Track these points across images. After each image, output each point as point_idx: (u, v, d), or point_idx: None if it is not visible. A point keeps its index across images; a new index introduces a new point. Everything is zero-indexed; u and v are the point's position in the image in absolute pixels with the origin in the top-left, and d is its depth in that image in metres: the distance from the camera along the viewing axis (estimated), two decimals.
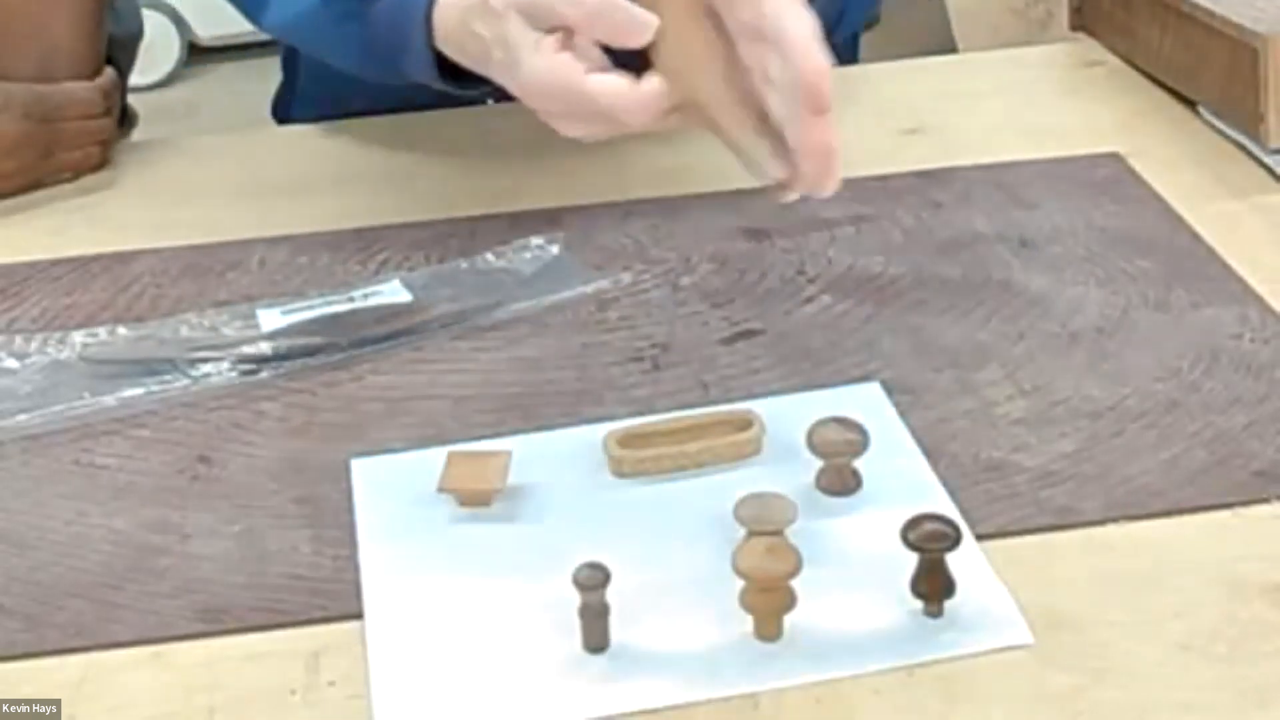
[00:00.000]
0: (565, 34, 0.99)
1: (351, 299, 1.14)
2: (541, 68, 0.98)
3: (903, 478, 0.96)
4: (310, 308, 1.13)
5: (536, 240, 1.20)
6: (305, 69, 1.53)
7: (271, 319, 1.12)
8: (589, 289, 1.16)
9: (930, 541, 0.85)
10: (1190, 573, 0.88)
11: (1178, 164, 1.31)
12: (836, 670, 0.83)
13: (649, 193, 1.29)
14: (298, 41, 1.22)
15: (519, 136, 1.40)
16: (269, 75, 1.64)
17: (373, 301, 1.14)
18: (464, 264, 1.18)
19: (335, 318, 1.12)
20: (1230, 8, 1.32)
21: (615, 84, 0.96)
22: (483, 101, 1.35)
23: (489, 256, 1.19)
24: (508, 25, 1.00)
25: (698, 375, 1.06)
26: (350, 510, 0.96)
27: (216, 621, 0.88)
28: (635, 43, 0.95)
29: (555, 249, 1.19)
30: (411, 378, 1.08)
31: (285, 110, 1.59)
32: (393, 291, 1.15)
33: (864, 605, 0.86)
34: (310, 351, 1.09)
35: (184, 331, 1.11)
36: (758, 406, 1.01)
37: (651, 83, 0.95)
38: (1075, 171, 1.30)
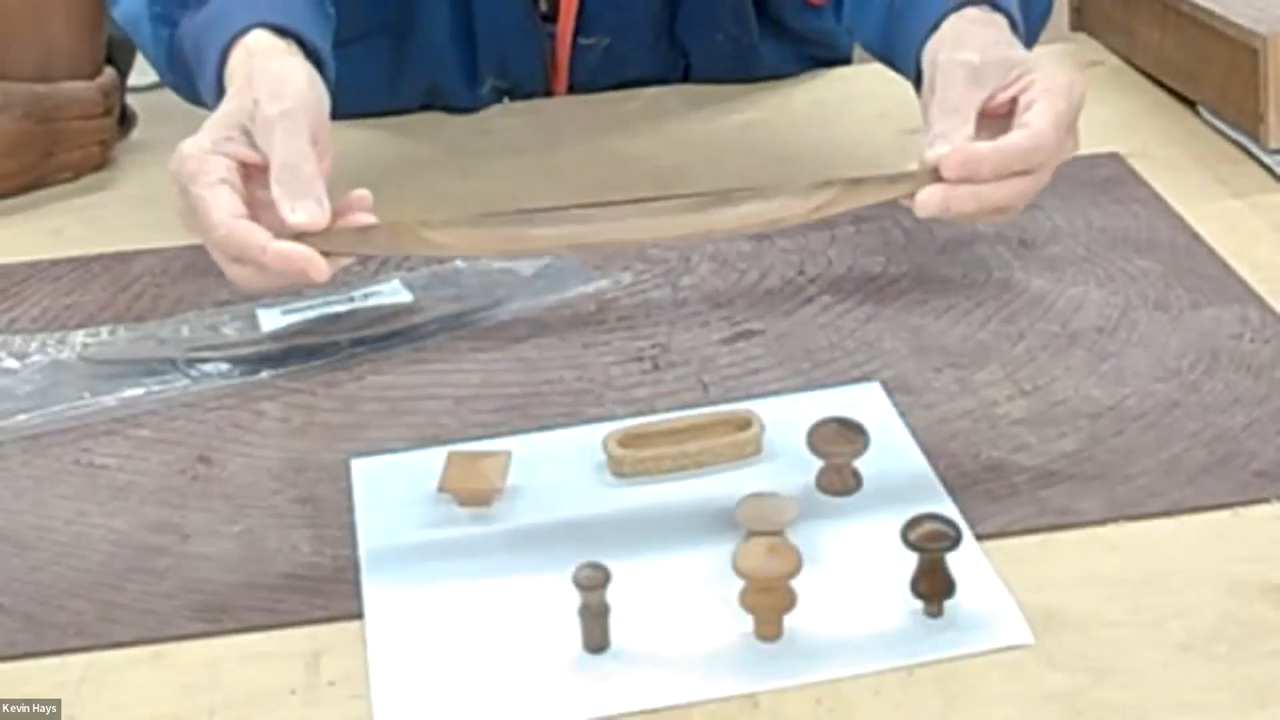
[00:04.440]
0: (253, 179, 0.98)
1: (351, 299, 1.14)
2: (224, 223, 0.96)
3: (903, 478, 0.96)
4: (310, 308, 1.13)
5: None
6: None
7: (271, 319, 1.12)
8: (589, 289, 1.16)
9: (930, 541, 0.85)
10: (1190, 573, 0.88)
11: (1178, 164, 1.31)
12: (836, 670, 0.83)
13: (649, 193, 1.29)
14: (133, 37, 1.22)
15: (520, 137, 1.40)
16: None
17: (373, 302, 1.14)
18: (463, 264, 1.18)
19: (335, 318, 1.12)
20: (1230, 8, 1.32)
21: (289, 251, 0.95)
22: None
23: (489, 256, 1.19)
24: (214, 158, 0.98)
25: (698, 375, 1.06)
26: (350, 510, 0.96)
27: (216, 621, 0.88)
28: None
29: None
30: (411, 378, 1.08)
31: None
32: (393, 291, 1.15)
33: (864, 605, 0.86)
34: (310, 351, 1.09)
35: (184, 331, 1.11)
36: (758, 406, 1.01)
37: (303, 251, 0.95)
38: (1075, 171, 1.29)
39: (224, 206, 0.96)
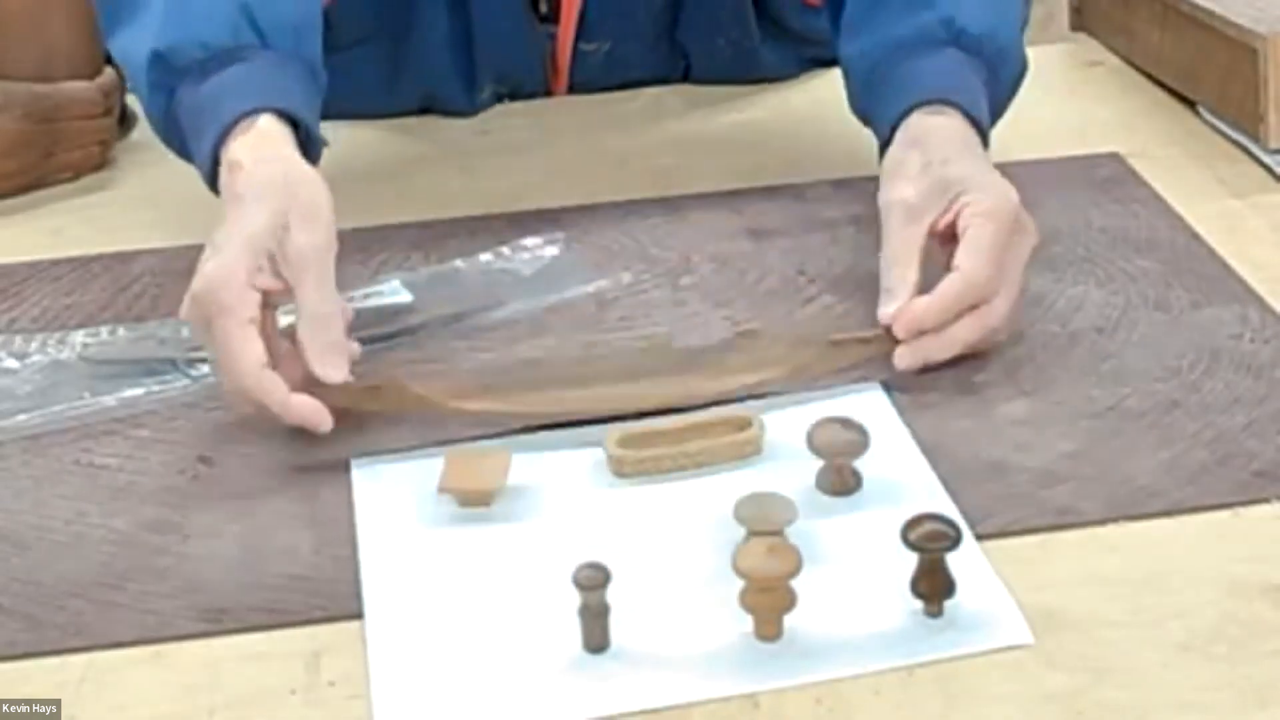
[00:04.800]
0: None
1: (351, 299, 1.14)
2: (253, 374, 0.98)
3: (903, 478, 0.96)
4: None
5: (536, 240, 1.20)
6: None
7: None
8: (589, 289, 1.16)
9: (930, 541, 0.85)
10: (1190, 573, 0.88)
11: (1178, 164, 1.31)
12: (836, 670, 0.83)
13: (649, 193, 1.29)
14: (126, 75, 1.23)
15: (519, 136, 1.40)
16: None
17: (373, 302, 1.14)
18: (463, 264, 1.18)
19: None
20: (1230, 8, 1.32)
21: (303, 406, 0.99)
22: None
23: (489, 256, 1.19)
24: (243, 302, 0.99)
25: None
26: (350, 510, 0.96)
27: (216, 621, 0.88)
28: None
29: (555, 249, 1.19)
30: (411, 378, 1.07)
31: None
32: (393, 291, 1.15)
33: (864, 605, 0.86)
34: None
35: (184, 331, 1.11)
36: (758, 406, 1.00)
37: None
38: (1075, 171, 1.30)
39: (254, 354, 0.97)
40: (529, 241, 1.20)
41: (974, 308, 1.03)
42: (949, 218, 1.06)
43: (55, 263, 1.23)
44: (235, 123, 1.06)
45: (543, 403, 1.00)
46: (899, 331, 1.03)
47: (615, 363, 1.03)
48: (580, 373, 1.02)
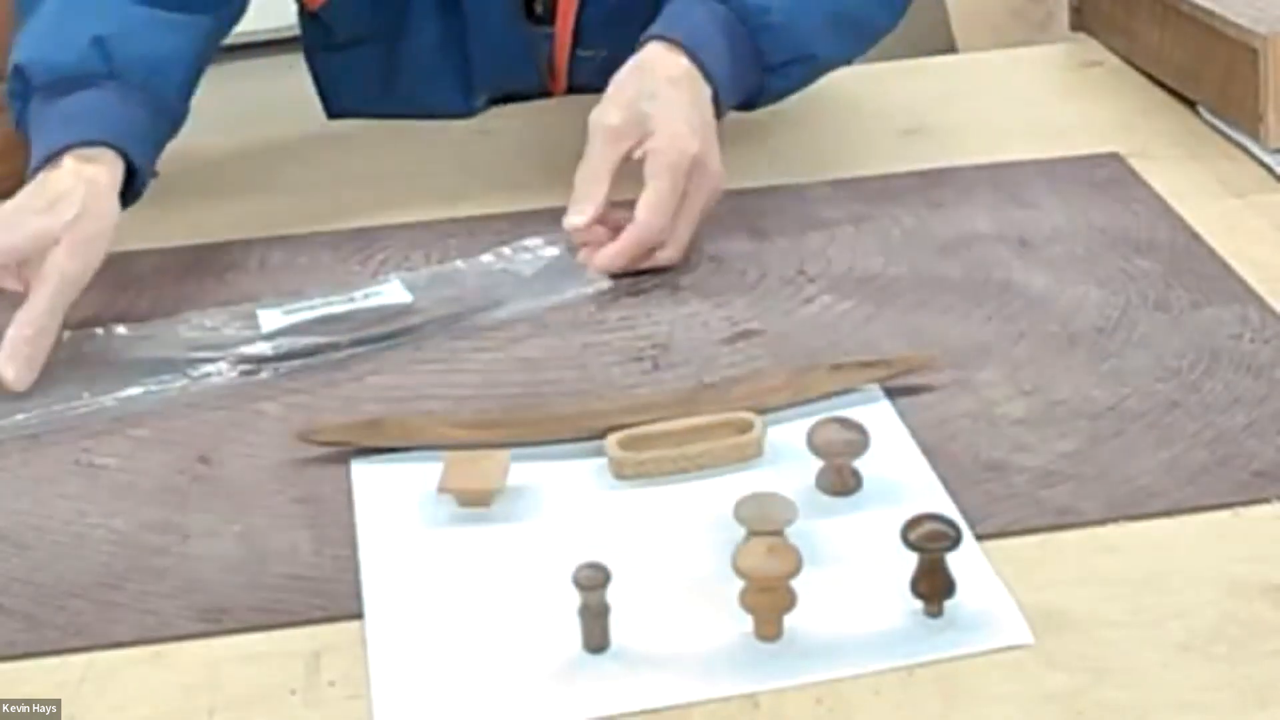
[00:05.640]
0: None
1: (352, 299, 1.14)
2: None
3: (903, 478, 0.96)
4: (311, 308, 1.13)
5: (536, 240, 1.20)
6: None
7: (272, 319, 1.12)
8: (589, 289, 1.16)
9: (930, 541, 0.85)
10: (1190, 573, 0.88)
11: (1178, 164, 1.31)
12: (836, 670, 0.83)
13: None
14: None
15: (519, 137, 1.40)
16: (269, 76, 1.64)
17: (373, 302, 1.14)
18: (463, 264, 1.18)
19: (335, 318, 1.12)
20: (1230, 8, 1.32)
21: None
22: None
23: (489, 257, 1.19)
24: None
25: (698, 375, 1.06)
26: (350, 510, 0.96)
27: (216, 621, 0.88)
28: None
29: (555, 249, 1.19)
30: (411, 378, 1.08)
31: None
32: (393, 292, 1.15)
33: (864, 605, 0.86)
34: (310, 352, 1.09)
35: (184, 331, 1.11)
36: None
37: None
38: (1075, 171, 1.30)
39: None
40: (529, 242, 1.20)
41: (652, 249, 1.16)
42: (640, 153, 1.17)
43: None
44: (65, 150, 1.14)
45: (540, 432, 1.00)
46: (591, 269, 1.16)
47: (617, 403, 1.02)
48: (580, 409, 1.02)
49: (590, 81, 1.44)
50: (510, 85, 1.44)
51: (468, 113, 1.43)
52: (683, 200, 1.16)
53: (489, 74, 1.42)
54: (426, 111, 1.44)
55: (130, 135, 1.16)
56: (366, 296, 1.15)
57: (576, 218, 1.16)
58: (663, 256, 1.17)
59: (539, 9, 1.41)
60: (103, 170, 1.13)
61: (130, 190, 1.17)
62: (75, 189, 1.11)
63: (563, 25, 1.41)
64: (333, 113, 1.49)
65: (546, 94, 1.45)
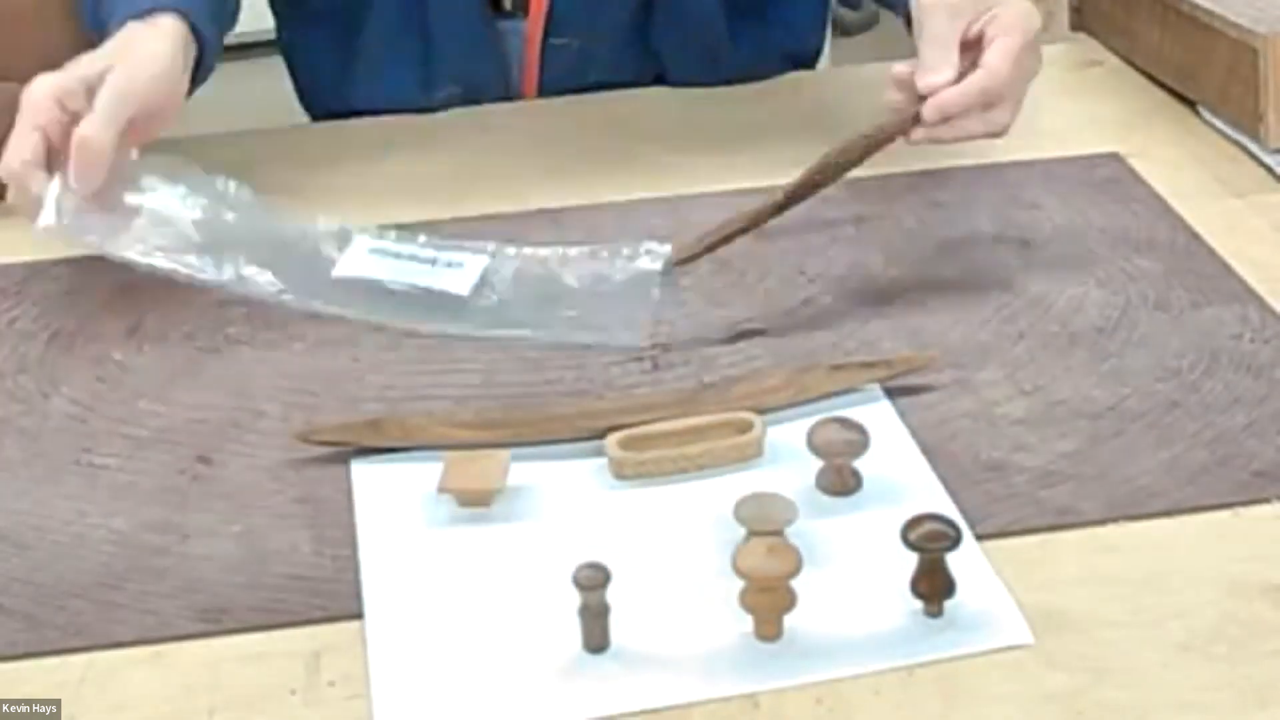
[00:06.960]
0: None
1: (435, 260, 1.15)
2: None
3: (903, 478, 0.96)
4: (398, 256, 1.16)
5: (648, 245, 1.16)
6: (301, 68, 1.52)
7: (360, 248, 1.16)
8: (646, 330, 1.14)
9: (930, 541, 0.85)
10: (1190, 573, 0.88)
11: (1178, 164, 1.31)
12: (836, 670, 0.83)
13: (649, 193, 1.29)
14: None
15: (519, 137, 1.40)
16: (268, 75, 1.63)
17: (443, 277, 1.14)
18: (543, 270, 1.16)
19: (392, 294, 1.13)
20: (1230, 8, 1.32)
21: None
22: None
23: (582, 268, 1.15)
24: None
25: (698, 375, 1.06)
26: (350, 510, 0.96)
27: (216, 621, 0.88)
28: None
29: (659, 264, 1.15)
30: (412, 378, 1.08)
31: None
32: (473, 266, 1.15)
33: (864, 605, 0.86)
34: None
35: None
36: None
37: None
38: (1075, 171, 1.30)
39: (22, 149, 1.11)
40: (637, 248, 1.16)
41: (987, 107, 1.13)
42: (981, 23, 1.15)
43: (55, 263, 1.23)
44: (126, 19, 1.17)
45: (540, 432, 1.00)
46: (927, 114, 1.12)
47: (616, 403, 1.02)
48: (580, 409, 1.02)
49: (561, 78, 1.43)
50: (474, 79, 1.43)
51: (426, 108, 1.42)
52: (1022, 65, 1.14)
53: (451, 66, 1.41)
54: (383, 101, 1.42)
55: (193, 5, 1.19)
56: (450, 265, 1.15)
57: (936, 78, 1.13)
58: (997, 119, 1.14)
59: (508, 4, 1.41)
60: (165, 21, 1.17)
61: (200, 67, 1.20)
62: (135, 34, 1.16)
63: (535, 13, 1.40)
64: (303, 97, 1.50)
65: (514, 95, 1.44)
